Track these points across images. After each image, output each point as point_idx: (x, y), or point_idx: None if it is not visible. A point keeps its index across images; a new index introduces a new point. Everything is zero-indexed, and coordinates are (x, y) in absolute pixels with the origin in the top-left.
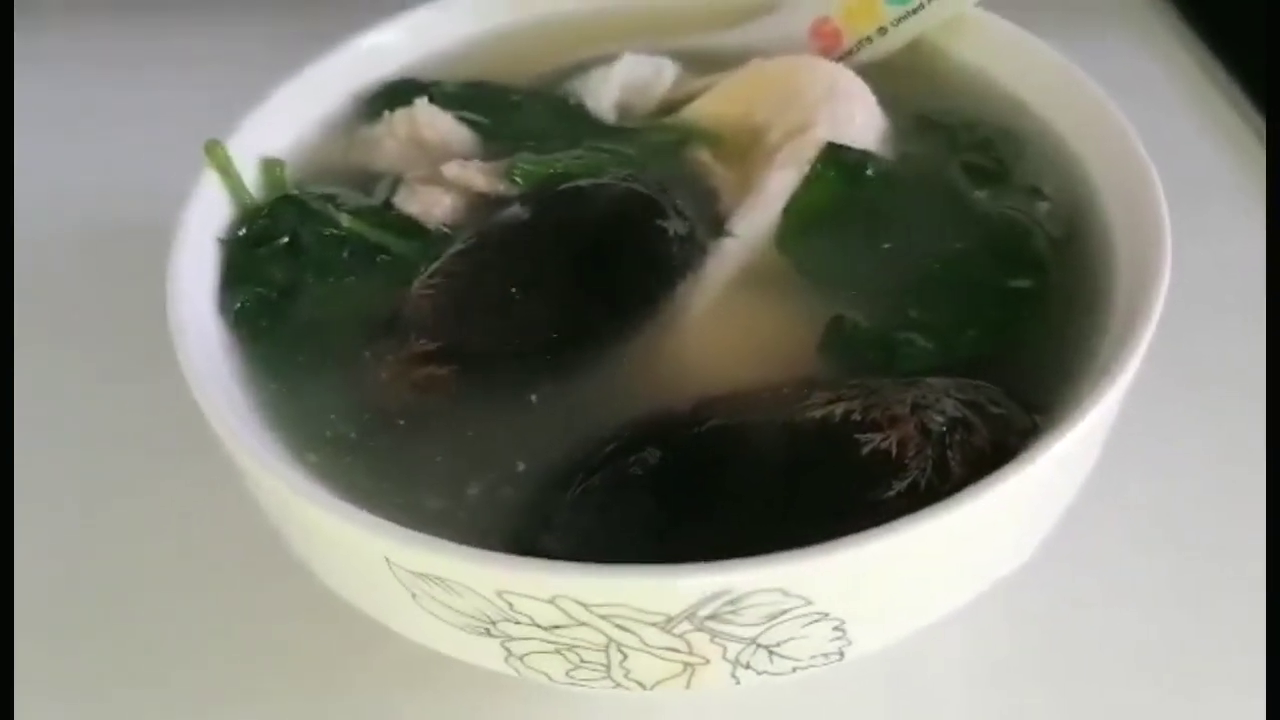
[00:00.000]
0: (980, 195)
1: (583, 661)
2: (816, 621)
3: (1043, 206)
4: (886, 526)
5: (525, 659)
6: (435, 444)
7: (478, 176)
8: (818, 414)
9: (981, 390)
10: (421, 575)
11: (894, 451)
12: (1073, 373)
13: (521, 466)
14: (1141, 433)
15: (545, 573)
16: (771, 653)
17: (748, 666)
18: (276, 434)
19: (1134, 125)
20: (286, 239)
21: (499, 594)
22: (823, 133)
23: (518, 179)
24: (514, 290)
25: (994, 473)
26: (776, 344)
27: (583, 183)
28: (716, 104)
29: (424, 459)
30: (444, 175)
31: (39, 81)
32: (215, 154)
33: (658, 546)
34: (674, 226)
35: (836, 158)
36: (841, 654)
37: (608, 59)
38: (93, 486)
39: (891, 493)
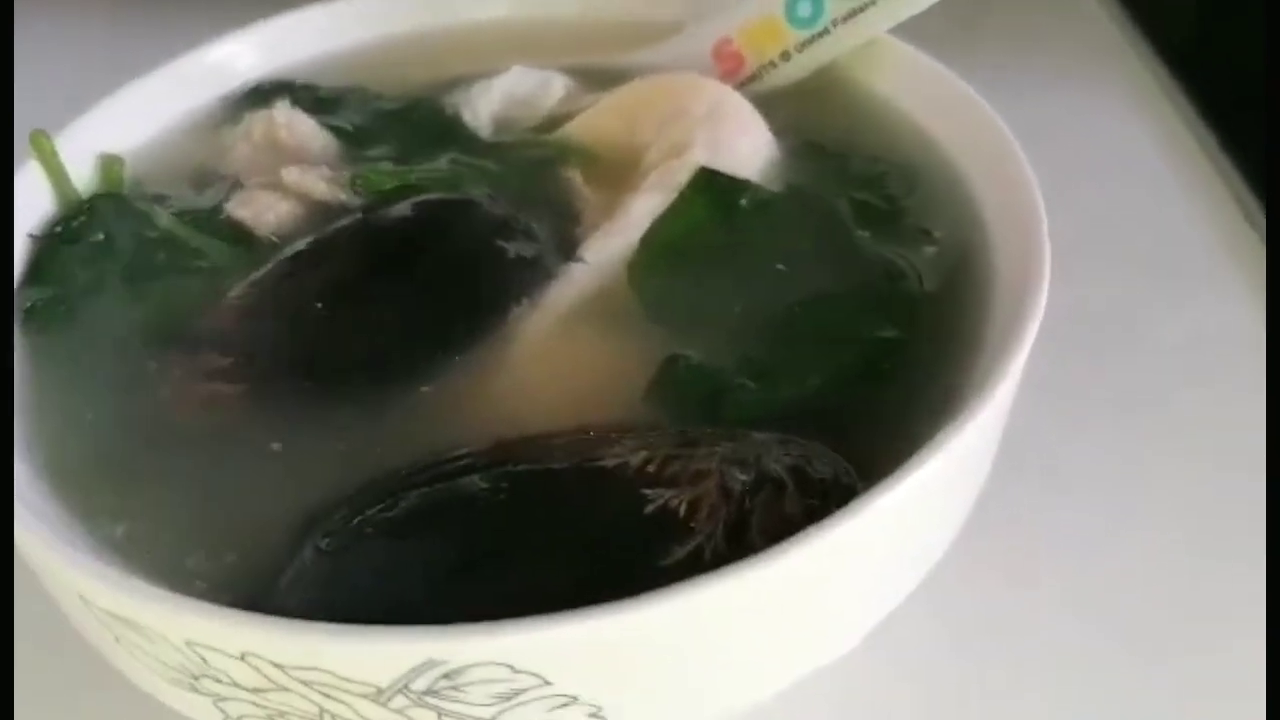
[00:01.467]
0: (863, 235)
1: None
2: (564, 706)
3: (929, 251)
4: (620, 602)
5: None
6: (205, 470)
7: (318, 184)
8: (610, 463)
9: (808, 449)
10: (115, 616)
11: (683, 511)
12: (918, 436)
13: (296, 503)
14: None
15: (227, 624)
16: None
17: None
18: (36, 447)
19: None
20: (101, 236)
21: (188, 644)
22: (700, 156)
23: (360, 188)
24: (319, 305)
25: (769, 546)
26: (609, 384)
27: (426, 197)
28: (596, 120)
29: (186, 486)
30: (283, 180)
31: None
32: (40, 145)
33: (394, 604)
34: (517, 248)
35: (708, 184)
36: None
37: (494, 73)
38: None
39: (670, 559)
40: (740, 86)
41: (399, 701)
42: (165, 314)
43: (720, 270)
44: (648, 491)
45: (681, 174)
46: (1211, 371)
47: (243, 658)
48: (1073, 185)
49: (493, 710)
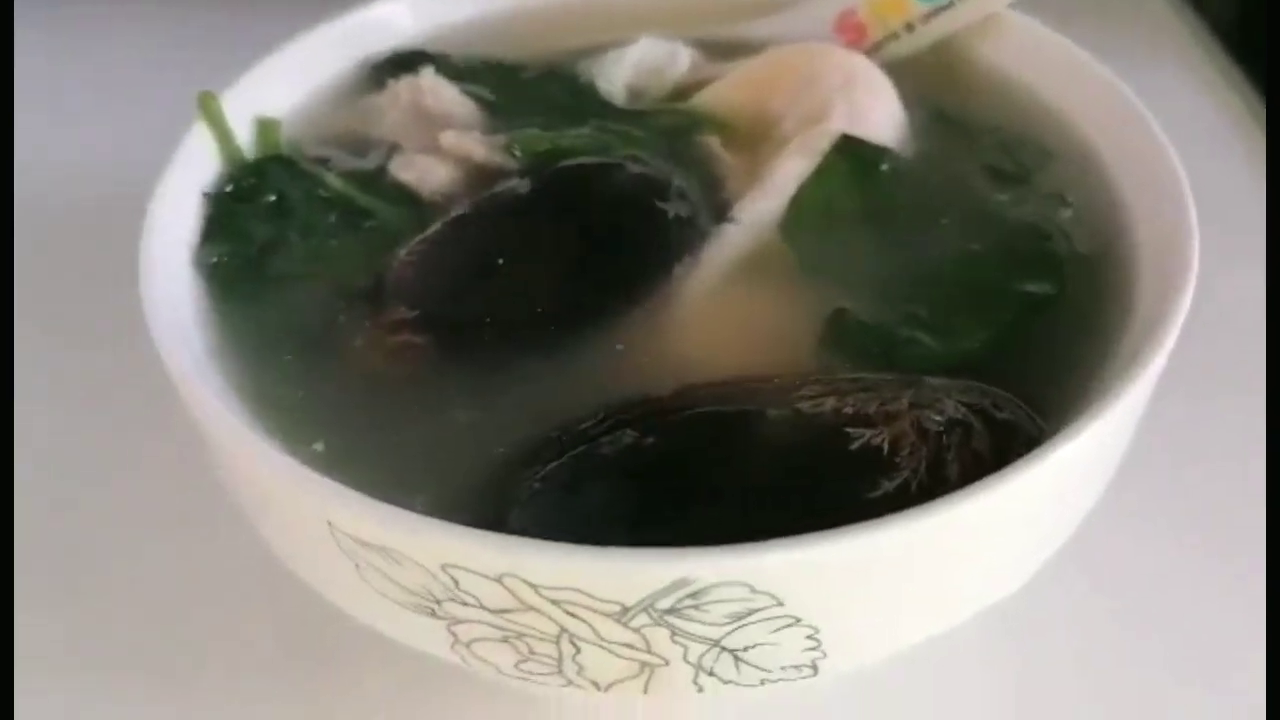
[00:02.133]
0: (1000, 198)
1: (532, 653)
2: (788, 627)
3: (1065, 214)
4: (864, 525)
5: (472, 646)
6: (406, 416)
7: (476, 147)
8: (806, 406)
9: (987, 394)
10: (364, 543)
11: (885, 448)
12: (1086, 385)
13: (494, 444)
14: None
15: (491, 547)
16: (738, 659)
17: (711, 673)
18: (242, 396)
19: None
20: (273, 197)
21: (444, 568)
22: (838, 123)
23: (517, 152)
24: (500, 261)
25: (989, 478)
26: (774, 335)
27: (584, 160)
28: (730, 90)
29: (392, 431)
30: (441, 144)
31: (35, 50)
32: (208, 106)
33: (627, 533)
34: (675, 208)
35: (850, 150)
36: (815, 668)
37: (624, 42)
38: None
39: (879, 491)
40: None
41: (640, 620)
42: (346, 269)
43: (869, 230)
44: (850, 430)
45: (823, 140)
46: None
47: (500, 579)
48: None
49: (723, 630)
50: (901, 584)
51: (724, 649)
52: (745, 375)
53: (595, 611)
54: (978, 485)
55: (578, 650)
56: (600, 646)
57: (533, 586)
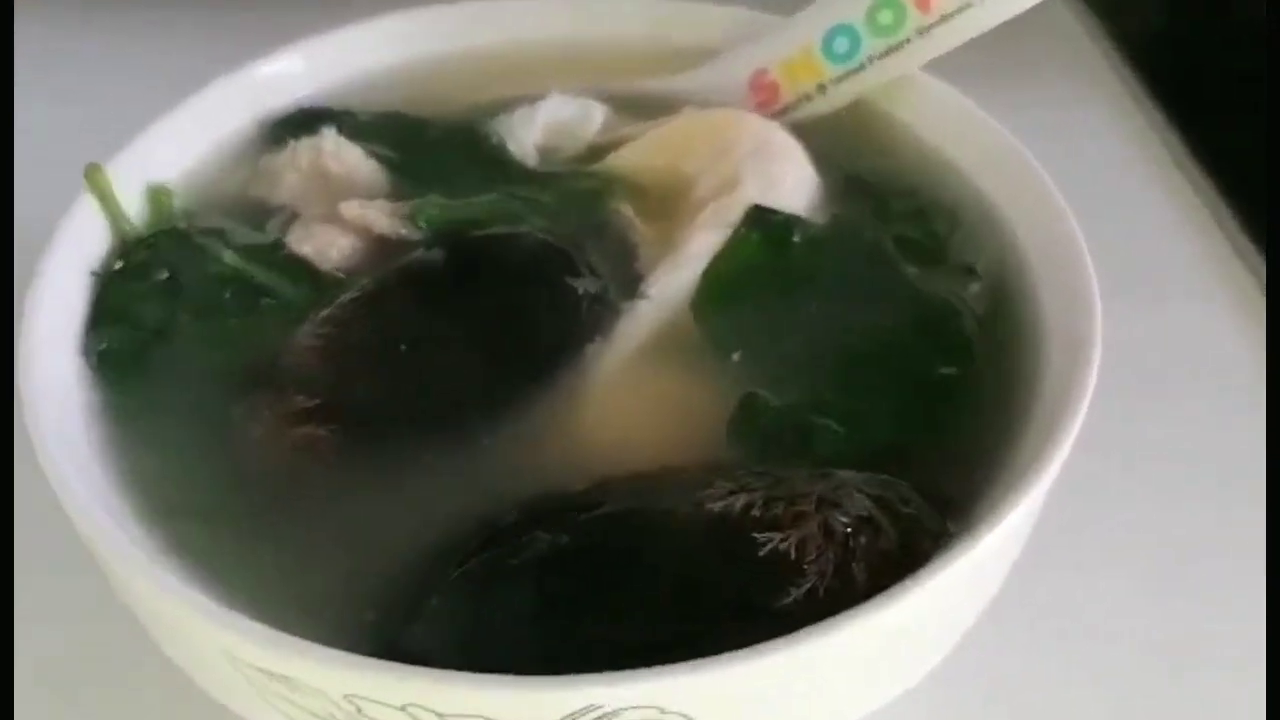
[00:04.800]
0: (911, 271)
1: None
2: None
3: (974, 287)
4: (773, 643)
5: None
6: (306, 516)
7: (380, 218)
8: (717, 506)
9: (892, 487)
10: (265, 672)
11: (793, 554)
12: (993, 471)
13: (403, 546)
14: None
15: (393, 677)
16: None
17: None
18: (131, 500)
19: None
20: (165, 275)
21: (346, 697)
22: (750, 192)
23: (422, 224)
24: (402, 346)
25: (898, 586)
26: (685, 420)
27: (491, 232)
28: (643, 153)
29: (291, 533)
30: (343, 214)
31: None
32: (95, 179)
33: (537, 648)
34: (585, 285)
35: (762, 221)
36: None
37: (533, 98)
38: None
39: (789, 599)
40: (775, 117)
41: None
42: (241, 354)
43: (781, 305)
44: (758, 536)
45: (734, 211)
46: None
47: (404, 708)
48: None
49: None
50: (814, 689)
51: None
52: (656, 469)
53: None
54: (887, 595)
55: None
56: None
57: (440, 716)
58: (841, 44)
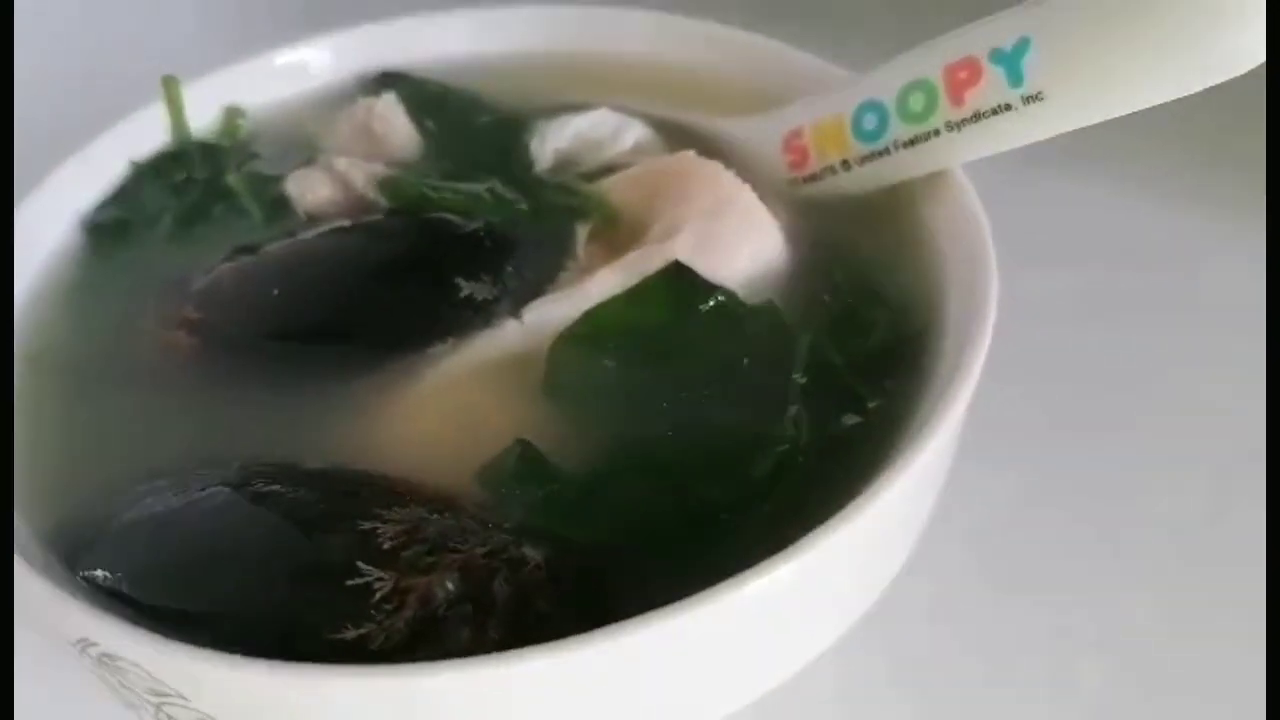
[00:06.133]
0: (798, 381)
1: None
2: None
3: (846, 420)
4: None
5: None
6: (141, 407)
7: (358, 177)
8: (366, 525)
9: (529, 580)
10: None
11: (377, 596)
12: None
13: (179, 458)
14: None
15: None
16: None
17: None
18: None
19: None
20: (183, 177)
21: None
22: (680, 247)
23: (384, 195)
24: (275, 291)
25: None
26: (471, 445)
27: (429, 217)
28: (626, 186)
29: (114, 413)
30: (333, 166)
31: None
32: (169, 87)
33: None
34: (473, 289)
35: (673, 280)
36: None
37: (588, 107)
38: None
39: (343, 635)
40: (805, 183)
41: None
42: (190, 259)
43: (638, 369)
44: (363, 566)
45: (654, 260)
46: None
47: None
48: None
49: (154, 701)
50: None
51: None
52: (399, 479)
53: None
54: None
55: None
56: None
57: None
58: (870, 120)
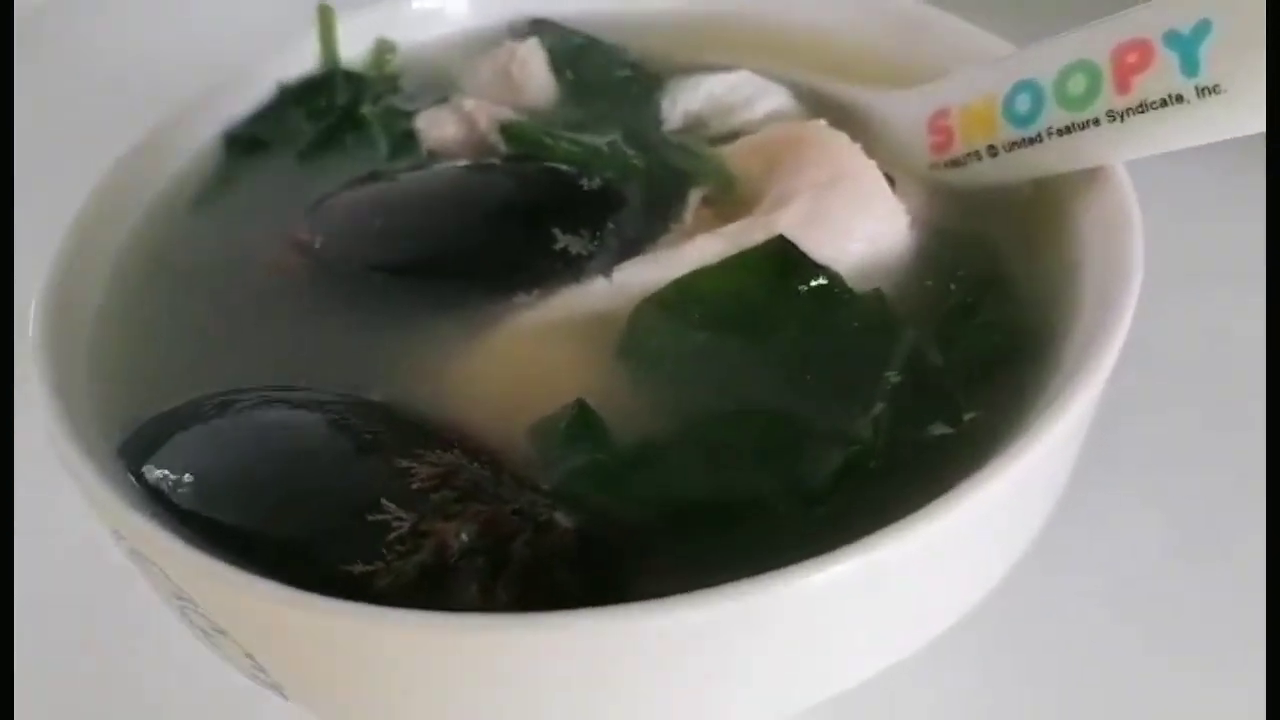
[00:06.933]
0: (891, 379)
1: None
2: (219, 632)
3: (933, 430)
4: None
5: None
6: (231, 317)
7: (482, 119)
8: (403, 463)
9: (559, 542)
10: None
11: (392, 535)
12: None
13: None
14: None
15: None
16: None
17: None
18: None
19: None
20: (324, 103)
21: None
22: (790, 220)
23: (504, 136)
24: (379, 223)
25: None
26: (532, 403)
27: (541, 166)
28: (748, 151)
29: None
30: (461, 106)
31: None
32: (324, 15)
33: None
34: (569, 242)
35: (776, 255)
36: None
37: (729, 69)
38: None
39: (354, 568)
40: (946, 167)
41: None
42: (318, 183)
43: (720, 343)
44: (386, 503)
45: (757, 232)
46: None
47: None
48: None
49: (178, 604)
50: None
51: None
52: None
53: None
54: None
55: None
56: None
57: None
58: (1023, 102)
